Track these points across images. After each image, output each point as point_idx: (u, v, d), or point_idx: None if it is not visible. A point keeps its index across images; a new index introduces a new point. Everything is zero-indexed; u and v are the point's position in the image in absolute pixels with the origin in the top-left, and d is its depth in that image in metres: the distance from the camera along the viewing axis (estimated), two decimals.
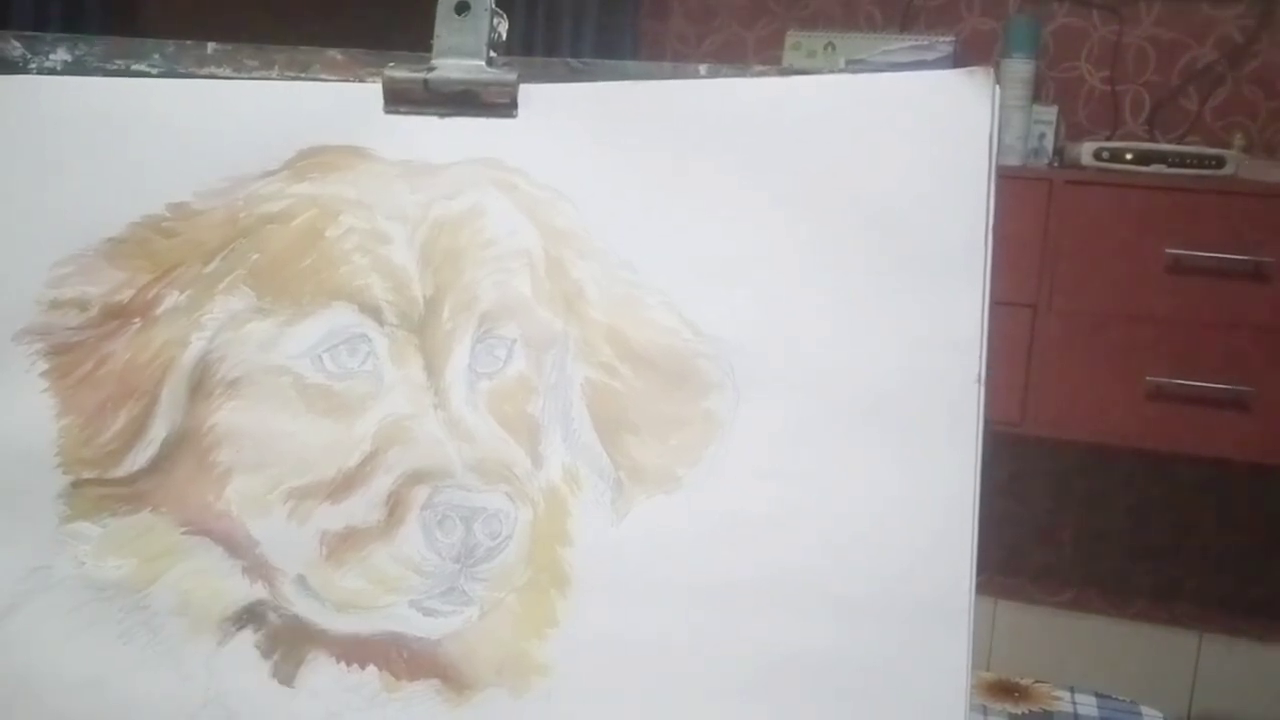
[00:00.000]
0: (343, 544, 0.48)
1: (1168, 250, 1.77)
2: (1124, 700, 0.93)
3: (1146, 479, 2.20)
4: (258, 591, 0.50)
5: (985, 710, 0.90)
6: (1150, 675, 2.21)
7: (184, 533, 0.50)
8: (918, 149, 0.46)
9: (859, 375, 0.47)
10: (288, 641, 0.50)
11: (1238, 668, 2.19)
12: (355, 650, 0.50)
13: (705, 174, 0.48)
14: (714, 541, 0.48)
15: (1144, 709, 0.92)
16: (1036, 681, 0.96)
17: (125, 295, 0.50)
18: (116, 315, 0.50)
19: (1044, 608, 2.28)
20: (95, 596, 0.51)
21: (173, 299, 0.50)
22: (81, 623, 0.51)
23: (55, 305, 0.50)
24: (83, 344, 0.50)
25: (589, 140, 0.48)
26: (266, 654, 0.50)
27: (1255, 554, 2.17)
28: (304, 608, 0.49)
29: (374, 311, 0.48)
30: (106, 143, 0.51)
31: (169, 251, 0.50)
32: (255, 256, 0.49)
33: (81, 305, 0.50)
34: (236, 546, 0.50)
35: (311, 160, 0.49)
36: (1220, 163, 1.81)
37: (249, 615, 0.50)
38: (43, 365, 0.51)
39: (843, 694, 0.48)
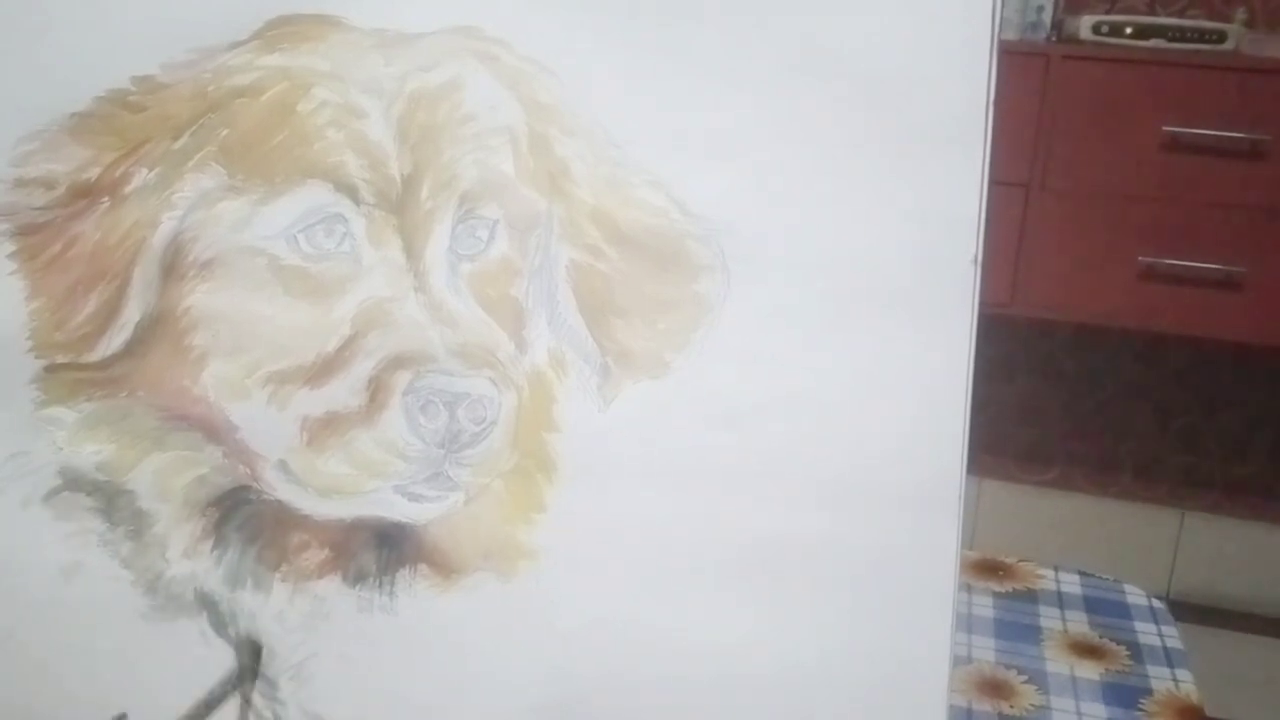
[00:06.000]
0: (324, 429, 0.48)
1: (1164, 128, 1.75)
2: (1107, 579, 0.94)
3: (1133, 359, 2.21)
4: (239, 477, 0.49)
5: (970, 589, 0.91)
6: (1132, 553, 2.25)
7: (162, 418, 0.49)
8: (917, 19, 0.44)
9: (852, 256, 0.46)
10: (271, 527, 0.49)
11: (1218, 546, 2.23)
12: (340, 535, 0.49)
13: (696, 45, 0.46)
14: (703, 426, 0.47)
15: (1127, 586, 0.93)
16: (1020, 560, 0.97)
17: (92, 173, 0.48)
18: (84, 194, 0.48)
19: (1028, 486, 2.31)
20: (75, 482, 0.50)
21: (141, 177, 0.48)
22: (62, 508, 0.51)
23: (20, 184, 0.49)
24: (50, 224, 0.49)
25: (574, 7, 0.46)
26: (250, 540, 0.50)
27: (1238, 433, 2.20)
28: (286, 493, 0.49)
29: (350, 190, 0.47)
30: (67, 15, 0.48)
31: (136, 127, 0.48)
32: (225, 132, 0.47)
33: (47, 184, 0.49)
34: (216, 432, 0.49)
35: (281, 30, 0.47)
36: (1221, 37, 1.78)
37: (231, 501, 0.50)
38: (10, 246, 0.49)
39: (832, 577, 0.48)
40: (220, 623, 0.51)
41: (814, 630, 0.48)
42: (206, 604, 0.51)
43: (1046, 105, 1.79)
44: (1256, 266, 1.76)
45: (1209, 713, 0.78)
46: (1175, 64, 1.76)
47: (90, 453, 0.50)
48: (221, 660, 0.51)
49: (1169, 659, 0.83)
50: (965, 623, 0.86)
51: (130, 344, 0.49)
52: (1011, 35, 1.88)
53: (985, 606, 0.89)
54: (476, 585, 0.49)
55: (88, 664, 0.52)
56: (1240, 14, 1.94)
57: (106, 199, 0.48)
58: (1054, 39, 1.93)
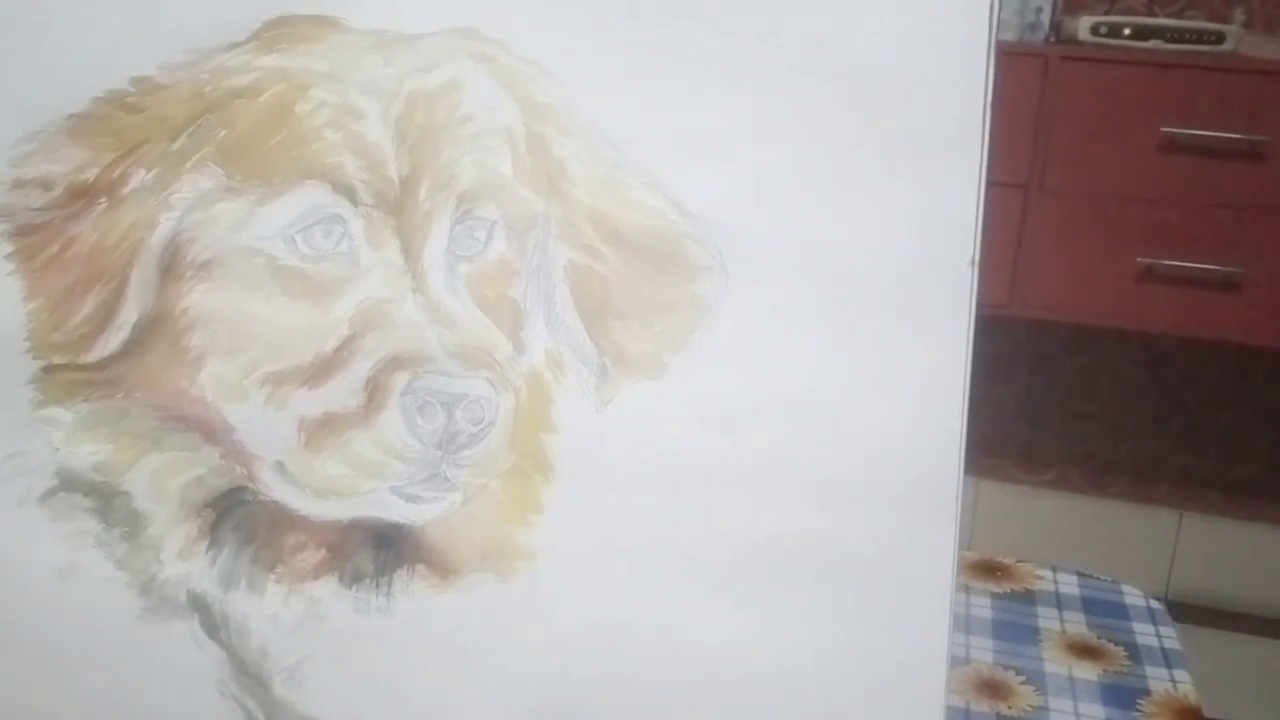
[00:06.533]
0: (321, 430, 0.48)
1: (1163, 129, 1.75)
2: (1105, 579, 0.94)
3: (1131, 360, 2.21)
4: (236, 478, 0.49)
5: (968, 589, 0.91)
6: (1131, 554, 2.25)
7: (159, 418, 0.49)
8: (916, 19, 0.44)
9: (850, 257, 0.46)
10: (267, 528, 0.49)
11: (1216, 547, 2.23)
12: (337, 536, 0.49)
13: (694, 45, 0.46)
14: (700, 427, 0.47)
15: (1125, 587, 0.93)
16: (1019, 561, 0.97)
17: (90, 174, 0.48)
18: (82, 195, 0.48)
19: (1026, 487, 2.31)
20: (71, 482, 0.50)
21: (139, 178, 0.48)
22: (59, 509, 0.51)
23: (18, 185, 0.49)
24: (48, 225, 0.49)
25: (573, 7, 0.46)
26: (246, 541, 0.50)
27: (1237, 434, 2.20)
28: (283, 494, 0.49)
29: (348, 191, 0.47)
30: (65, 16, 0.48)
31: (134, 128, 0.48)
32: (223, 133, 0.47)
33: (45, 185, 0.48)
34: (213, 433, 0.49)
35: (279, 31, 0.47)
36: (1220, 38, 1.78)
37: (228, 502, 0.50)
38: (7, 247, 0.49)
39: (829, 577, 0.48)
40: (212, 625, 0.51)
41: (811, 631, 0.48)
42: (198, 606, 0.51)
43: (1045, 106, 1.79)
44: (1255, 267, 1.77)
45: (1207, 713, 0.78)
46: (1174, 65, 1.76)
47: (87, 453, 0.50)
48: (214, 663, 0.51)
49: (1167, 659, 0.83)
50: (963, 623, 0.86)
51: (128, 344, 0.49)
52: (1010, 36, 1.89)
53: (983, 607, 0.89)
54: (474, 586, 0.49)
55: (84, 664, 0.52)
56: (1239, 15, 1.94)
57: (104, 200, 0.48)
58: (1052, 40, 1.93)
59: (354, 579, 0.50)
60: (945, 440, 0.46)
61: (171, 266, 0.48)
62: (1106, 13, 1.98)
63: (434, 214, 0.47)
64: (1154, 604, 0.91)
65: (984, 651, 0.83)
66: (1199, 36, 1.78)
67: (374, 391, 0.47)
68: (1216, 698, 1.00)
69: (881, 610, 0.47)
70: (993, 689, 0.79)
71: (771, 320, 0.47)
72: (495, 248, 0.48)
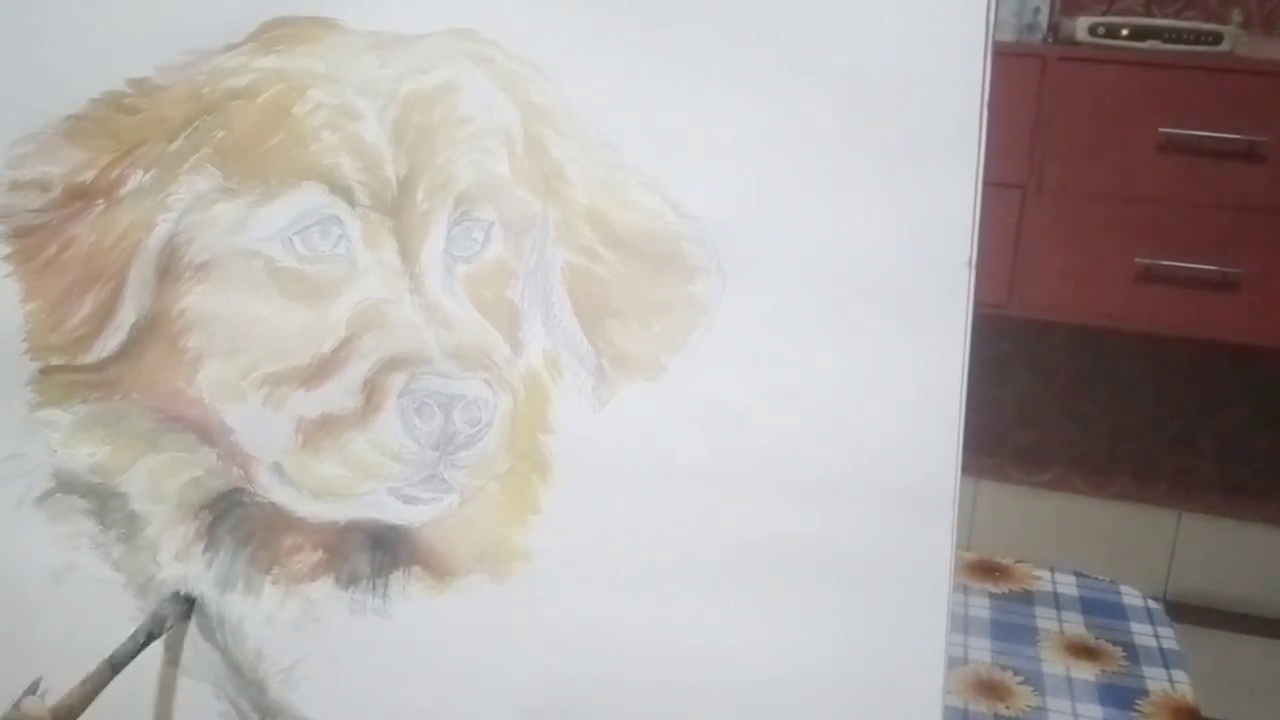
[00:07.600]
0: (319, 431, 0.48)
1: (1160, 129, 1.75)
2: (1103, 580, 0.94)
3: (1130, 360, 2.21)
4: (234, 479, 0.49)
5: (966, 590, 0.91)
6: (1129, 554, 2.25)
7: (157, 420, 0.49)
8: (916, 19, 0.44)
9: (847, 257, 0.46)
10: (264, 530, 0.49)
11: (1215, 547, 2.23)
12: (334, 538, 0.49)
13: (693, 47, 0.46)
14: (698, 427, 0.47)
15: (1123, 587, 0.93)
16: (1017, 561, 0.97)
17: (88, 175, 0.48)
18: (79, 196, 0.48)
19: (1025, 487, 2.31)
20: (68, 484, 0.50)
21: (137, 179, 0.48)
22: (56, 510, 0.51)
23: (15, 186, 0.49)
24: (46, 226, 0.49)
25: (570, 8, 0.46)
26: (243, 543, 0.50)
27: (1235, 435, 2.20)
28: (280, 496, 0.49)
29: (345, 192, 0.47)
30: (62, 18, 0.48)
31: (131, 129, 0.48)
32: (221, 134, 0.47)
33: (43, 186, 0.48)
34: (210, 434, 0.49)
35: (276, 32, 0.47)
36: (1218, 39, 1.78)
37: (225, 503, 0.50)
38: (5, 249, 0.49)
39: (827, 577, 0.48)
40: (208, 628, 0.51)
41: (809, 632, 0.48)
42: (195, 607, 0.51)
43: (1043, 107, 1.79)
44: (1253, 267, 1.77)
45: (1205, 713, 0.78)
46: (1171, 65, 1.76)
47: (85, 455, 0.50)
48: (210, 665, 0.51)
49: (1165, 660, 0.83)
50: (961, 624, 0.86)
51: (125, 346, 0.49)
52: (1008, 37, 1.88)
53: (982, 608, 0.89)
54: (471, 587, 0.49)
55: (81, 667, 0.52)
56: (1236, 15, 1.94)
57: (102, 201, 0.48)
58: (1050, 40, 1.93)
59: (351, 580, 0.50)
60: (943, 440, 0.46)
61: (169, 268, 0.48)
62: (1104, 13, 1.98)
63: (431, 215, 0.47)
64: (1152, 604, 0.91)
65: (982, 652, 0.83)
66: (1196, 37, 1.78)
67: (371, 393, 0.47)
68: (1215, 698, 1.00)
69: (879, 610, 0.47)
70: (991, 689, 0.79)
71: (769, 320, 0.46)
72: (493, 249, 0.48)
